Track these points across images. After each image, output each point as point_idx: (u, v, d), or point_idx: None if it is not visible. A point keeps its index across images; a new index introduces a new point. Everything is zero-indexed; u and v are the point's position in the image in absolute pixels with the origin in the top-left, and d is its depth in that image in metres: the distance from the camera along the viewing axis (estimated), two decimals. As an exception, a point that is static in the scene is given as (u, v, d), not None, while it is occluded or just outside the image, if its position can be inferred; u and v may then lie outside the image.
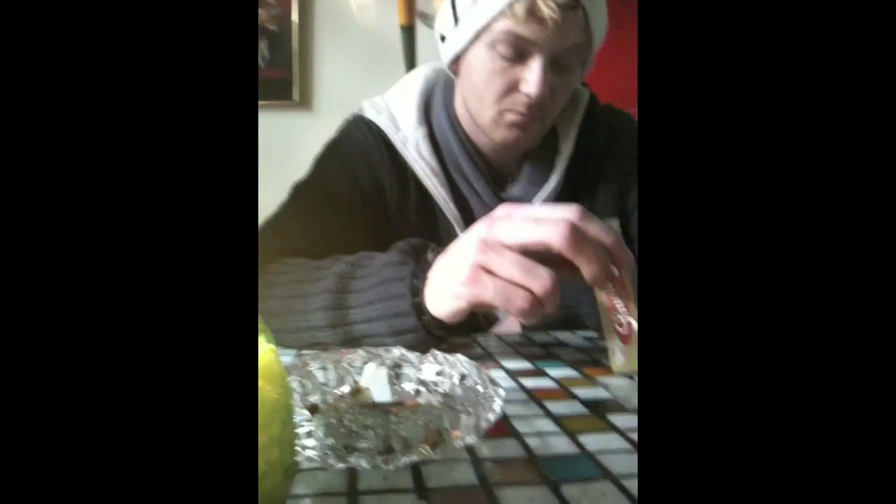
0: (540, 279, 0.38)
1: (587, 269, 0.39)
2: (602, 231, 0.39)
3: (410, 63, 1.55)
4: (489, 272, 0.39)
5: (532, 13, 0.59)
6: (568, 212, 0.39)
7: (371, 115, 0.76)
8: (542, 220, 0.39)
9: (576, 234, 0.37)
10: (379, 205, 0.72)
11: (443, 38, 0.70)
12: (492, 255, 0.39)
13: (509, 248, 0.39)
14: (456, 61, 0.70)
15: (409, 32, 1.54)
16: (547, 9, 0.59)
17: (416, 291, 0.46)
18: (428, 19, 1.68)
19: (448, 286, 0.43)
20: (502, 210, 0.42)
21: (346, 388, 0.34)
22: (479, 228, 0.41)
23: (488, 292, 0.39)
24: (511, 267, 0.38)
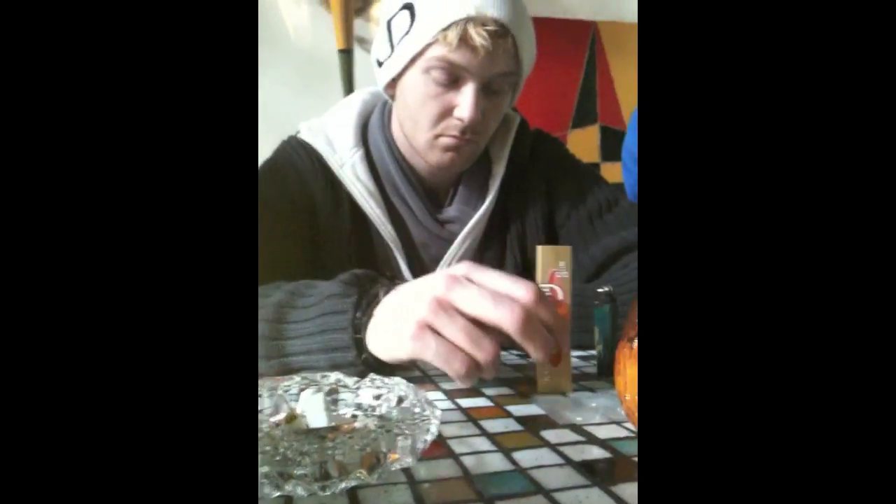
0: (484, 351, 0.38)
1: (534, 353, 0.40)
2: (550, 316, 0.41)
3: (348, 86, 1.56)
4: (435, 331, 0.39)
5: (464, 41, 0.62)
6: (524, 293, 0.39)
7: (307, 137, 0.76)
8: (499, 297, 0.39)
9: (527, 321, 0.38)
10: (311, 222, 0.71)
11: (379, 63, 0.71)
12: (441, 317, 0.39)
13: (461, 313, 0.39)
14: (392, 85, 0.72)
15: (346, 56, 1.55)
16: (478, 37, 0.61)
17: (358, 328, 0.45)
18: (365, 44, 1.69)
19: (391, 334, 0.42)
20: (463, 268, 0.42)
21: (281, 416, 0.34)
22: (436, 285, 0.40)
23: (430, 352, 0.39)
24: (458, 332, 0.38)
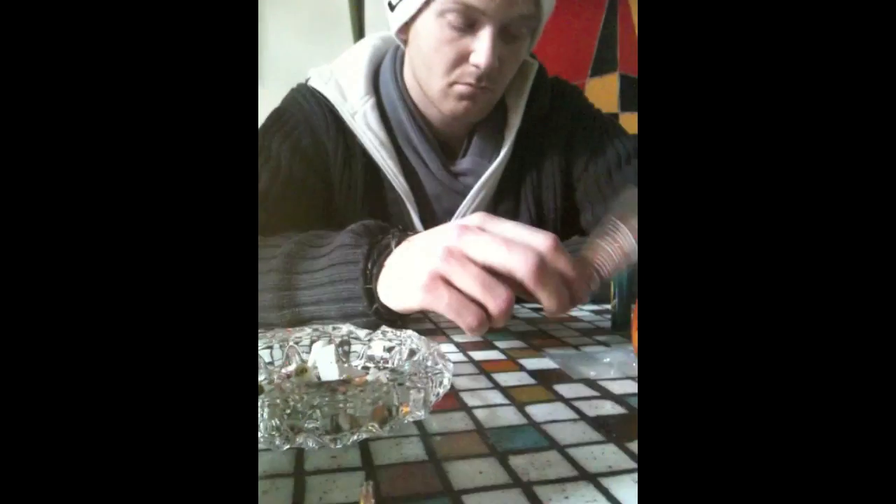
0: (497, 298, 0.37)
1: (546, 303, 0.38)
2: (568, 266, 0.39)
3: (358, 32, 1.51)
4: (447, 282, 0.38)
5: (481, -19, 0.59)
6: (540, 241, 0.38)
7: (318, 84, 0.74)
8: (513, 244, 0.37)
9: (541, 268, 0.37)
10: (323, 173, 0.70)
11: (391, 7, 0.68)
12: (454, 266, 0.38)
13: (473, 262, 0.38)
14: (404, 30, 0.69)
15: (356, 1, 1.50)
16: None
17: (369, 278, 0.45)
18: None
19: (402, 284, 0.42)
20: (477, 218, 0.40)
21: (291, 368, 0.34)
22: (449, 234, 0.39)
23: (441, 303, 0.38)
24: (471, 281, 0.37)
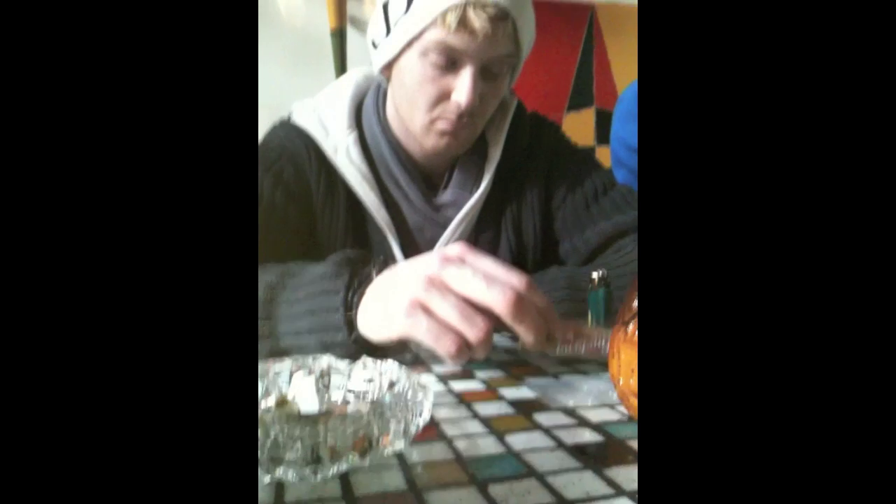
0: (476, 328, 0.38)
1: (525, 336, 0.39)
2: (544, 303, 0.40)
3: (341, 67, 1.54)
4: (426, 310, 0.39)
5: (463, 24, 0.61)
6: (516, 279, 0.39)
7: (300, 120, 0.75)
8: (491, 280, 0.38)
9: (519, 304, 0.38)
10: (305, 205, 0.71)
11: (374, 45, 0.70)
12: (434, 294, 0.39)
13: (453, 292, 0.39)
14: (387, 68, 0.70)
15: (339, 36, 1.53)
16: (478, 20, 0.60)
17: (350, 306, 0.45)
18: (358, 23, 1.67)
19: (382, 312, 0.42)
20: (457, 249, 0.41)
21: (272, 400, 0.34)
22: (430, 263, 0.40)
23: (420, 330, 0.39)
24: (450, 309, 0.38)
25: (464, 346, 0.38)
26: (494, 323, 0.39)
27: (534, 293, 0.40)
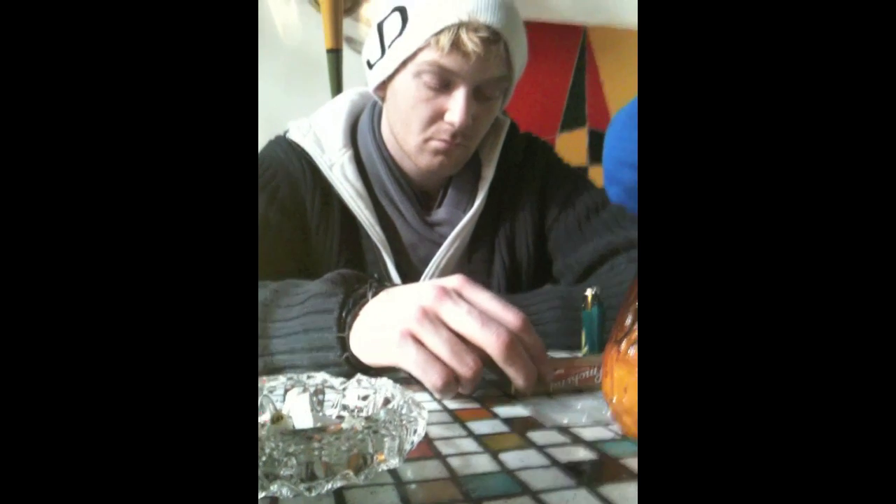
0: (466, 366, 0.38)
1: (515, 379, 0.40)
2: (537, 344, 0.40)
3: (337, 86, 1.55)
4: (417, 341, 0.39)
5: (456, 46, 0.62)
6: (512, 319, 0.39)
7: (296, 137, 0.76)
8: (486, 319, 0.38)
9: (512, 346, 0.38)
10: (300, 222, 0.71)
11: (370, 65, 0.71)
12: (426, 327, 0.39)
13: (446, 326, 0.39)
14: (382, 87, 0.72)
15: (335, 56, 1.55)
16: (470, 42, 0.62)
17: (343, 326, 0.45)
18: (354, 43, 1.69)
19: (374, 338, 0.42)
20: (455, 281, 0.41)
21: (266, 416, 0.34)
22: (426, 294, 0.40)
23: (409, 361, 0.39)
24: (442, 344, 0.38)
25: (452, 380, 0.38)
26: (485, 361, 0.39)
27: (528, 334, 0.40)
